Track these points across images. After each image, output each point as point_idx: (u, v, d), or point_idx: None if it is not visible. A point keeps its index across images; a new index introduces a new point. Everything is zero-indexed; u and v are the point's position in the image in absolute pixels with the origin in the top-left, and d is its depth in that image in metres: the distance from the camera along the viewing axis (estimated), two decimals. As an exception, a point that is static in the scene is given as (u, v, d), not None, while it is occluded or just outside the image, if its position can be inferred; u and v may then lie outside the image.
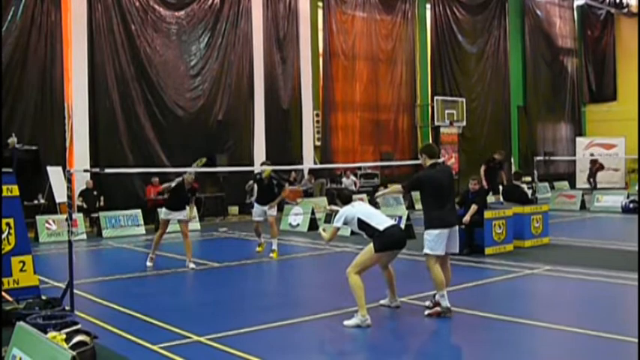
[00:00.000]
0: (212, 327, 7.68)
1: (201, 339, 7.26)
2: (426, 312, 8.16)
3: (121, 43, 20.73)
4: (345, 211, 8.30)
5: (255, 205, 13.70)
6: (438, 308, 8.05)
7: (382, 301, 8.75)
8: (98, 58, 20.23)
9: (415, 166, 26.84)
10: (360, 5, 26.91)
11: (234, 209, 22.79)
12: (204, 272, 12.18)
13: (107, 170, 12.07)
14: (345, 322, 7.78)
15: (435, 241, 8.07)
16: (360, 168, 25.21)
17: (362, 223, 8.14)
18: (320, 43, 25.89)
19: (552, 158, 30.48)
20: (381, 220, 8.14)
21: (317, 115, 25.69)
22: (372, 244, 8.02)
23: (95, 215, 18.47)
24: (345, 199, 8.60)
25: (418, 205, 23.55)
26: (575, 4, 36.02)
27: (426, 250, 8.13)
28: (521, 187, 16.30)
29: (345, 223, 8.29)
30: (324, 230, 8.94)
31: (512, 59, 32.86)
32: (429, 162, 8.33)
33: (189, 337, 7.34)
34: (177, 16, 22.02)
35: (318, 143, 25.55)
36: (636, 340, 6.32)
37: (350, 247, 14.49)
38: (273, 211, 13.57)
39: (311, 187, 23.88)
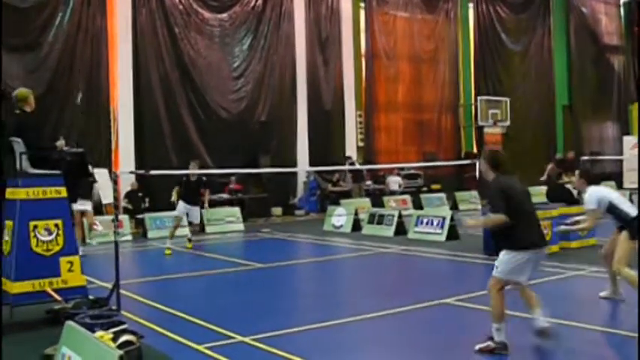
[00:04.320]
0: (256, 327, 7.70)
1: (245, 339, 7.28)
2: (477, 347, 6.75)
3: (165, 46, 20.99)
4: (596, 192, 8.09)
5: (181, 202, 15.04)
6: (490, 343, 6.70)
7: (602, 294, 8.73)
8: (142, 61, 20.52)
9: (459, 167, 26.70)
10: (402, 5, 26.79)
11: (277, 210, 22.84)
12: (248, 273, 12.25)
13: (152, 172, 12.23)
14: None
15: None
16: (403, 168, 25.11)
17: (613, 208, 7.94)
18: (362, 44, 25.84)
19: (598, 158, 29.90)
20: (629, 206, 7.99)
21: (360, 115, 25.65)
22: (626, 233, 7.82)
23: (140, 216, 18.68)
24: (592, 178, 8.49)
25: (462, 206, 23.51)
26: (622, 0, 35.35)
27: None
28: (566, 186, 16.04)
29: (598, 204, 7.99)
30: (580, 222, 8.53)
31: (556, 58, 32.36)
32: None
33: (233, 338, 7.37)
34: (219, 19, 22.21)
35: (361, 144, 25.52)
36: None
37: (393, 248, 14.46)
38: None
39: (350, 188, 23.84)
